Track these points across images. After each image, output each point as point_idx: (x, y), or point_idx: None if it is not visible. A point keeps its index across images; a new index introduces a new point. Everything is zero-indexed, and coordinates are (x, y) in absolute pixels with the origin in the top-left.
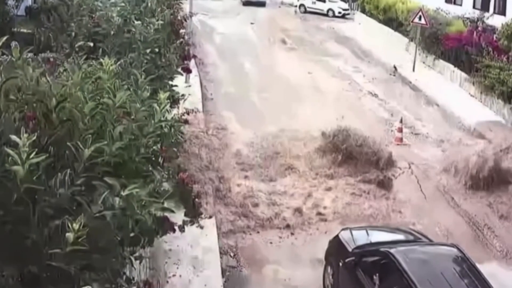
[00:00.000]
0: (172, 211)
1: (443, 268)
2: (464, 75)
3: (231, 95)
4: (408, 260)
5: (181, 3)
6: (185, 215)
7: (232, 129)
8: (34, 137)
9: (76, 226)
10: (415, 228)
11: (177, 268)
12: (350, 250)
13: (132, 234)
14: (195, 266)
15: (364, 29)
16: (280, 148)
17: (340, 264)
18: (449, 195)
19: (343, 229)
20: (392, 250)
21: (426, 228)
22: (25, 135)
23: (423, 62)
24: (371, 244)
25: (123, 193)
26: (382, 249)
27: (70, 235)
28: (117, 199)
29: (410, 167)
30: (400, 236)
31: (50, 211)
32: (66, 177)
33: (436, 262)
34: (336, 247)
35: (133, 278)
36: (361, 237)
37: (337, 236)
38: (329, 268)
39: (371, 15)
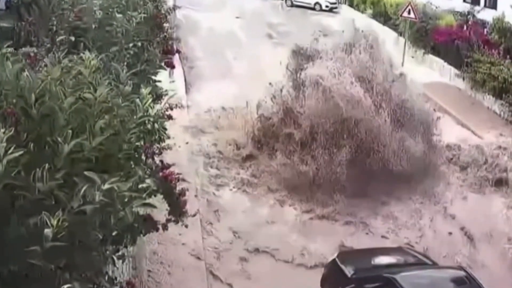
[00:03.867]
0: (154, 207)
1: None
2: (454, 70)
3: (216, 91)
4: (414, 287)
5: None
6: (169, 214)
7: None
8: (11, 132)
9: (54, 221)
10: None
11: None
12: (349, 275)
13: (115, 233)
14: None
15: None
16: None
17: None
18: None
19: (340, 252)
20: (396, 276)
21: None
22: (2, 130)
23: (412, 57)
24: (372, 268)
25: (104, 187)
26: (385, 275)
27: (49, 231)
28: (97, 193)
29: None
30: (402, 259)
31: (30, 207)
32: (45, 173)
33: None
34: (333, 273)
35: (116, 278)
36: (360, 261)
37: (334, 260)
38: None
39: (359, 9)
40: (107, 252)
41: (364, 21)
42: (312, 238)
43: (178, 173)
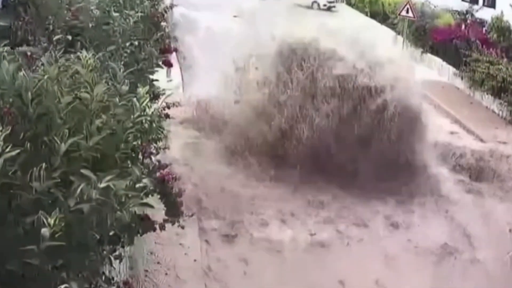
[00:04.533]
0: (152, 207)
1: None
2: (453, 69)
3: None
4: None
5: None
6: (166, 214)
7: None
8: (8, 131)
9: (52, 221)
10: None
11: None
12: None
13: (112, 233)
14: None
15: (351, 22)
16: None
17: None
18: None
19: None
20: None
21: None
22: None
23: (411, 56)
24: None
25: (100, 185)
26: None
27: (46, 231)
28: (94, 191)
29: None
30: None
31: (26, 207)
32: (42, 172)
33: None
34: None
35: (113, 278)
36: None
37: None
38: None
39: (357, 8)
40: (104, 252)
41: (362, 20)
42: None
43: (175, 173)
